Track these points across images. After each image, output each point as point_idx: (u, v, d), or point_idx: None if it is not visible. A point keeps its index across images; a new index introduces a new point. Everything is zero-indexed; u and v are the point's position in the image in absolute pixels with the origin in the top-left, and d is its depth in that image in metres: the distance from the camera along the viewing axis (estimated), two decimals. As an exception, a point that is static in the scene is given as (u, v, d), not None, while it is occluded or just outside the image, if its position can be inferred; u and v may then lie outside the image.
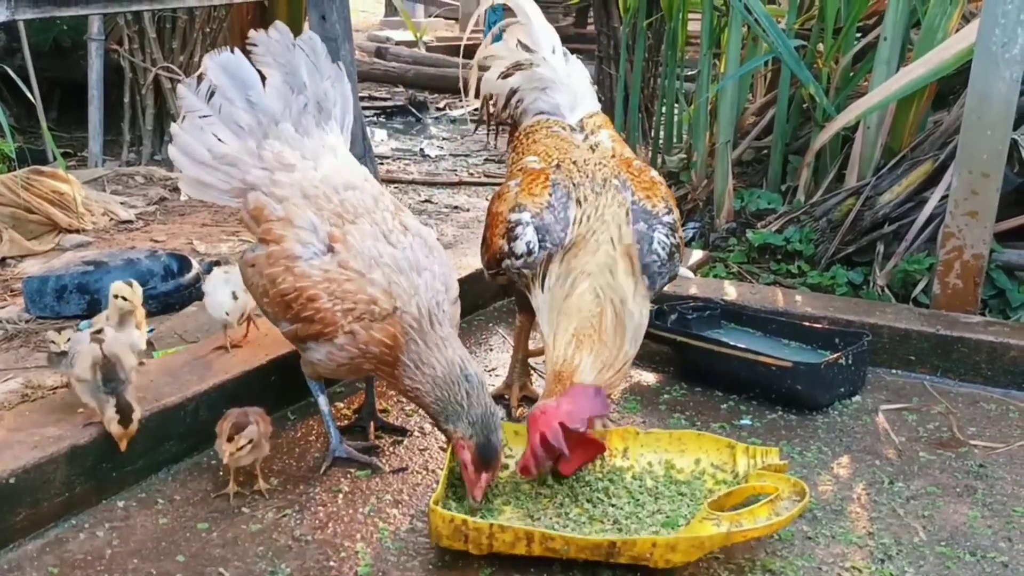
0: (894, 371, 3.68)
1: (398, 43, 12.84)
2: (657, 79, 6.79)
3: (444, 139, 9.02)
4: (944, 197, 4.21)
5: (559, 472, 2.69)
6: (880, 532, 2.65)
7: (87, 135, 6.45)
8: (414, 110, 10.07)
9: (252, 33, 3.06)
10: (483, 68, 3.67)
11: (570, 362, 2.69)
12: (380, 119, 9.83)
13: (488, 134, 3.87)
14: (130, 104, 6.75)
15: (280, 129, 2.96)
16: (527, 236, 2.90)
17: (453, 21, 15.56)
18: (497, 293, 4.29)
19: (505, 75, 3.50)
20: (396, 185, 6.95)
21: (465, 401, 2.59)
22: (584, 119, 3.31)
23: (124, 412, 2.55)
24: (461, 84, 3.86)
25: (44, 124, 5.25)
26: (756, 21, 4.86)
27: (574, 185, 2.97)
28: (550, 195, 2.95)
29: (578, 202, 2.92)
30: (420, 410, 3.24)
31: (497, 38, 3.67)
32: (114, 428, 2.56)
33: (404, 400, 3.36)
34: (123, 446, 2.59)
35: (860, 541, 2.61)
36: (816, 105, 4.94)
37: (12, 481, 2.41)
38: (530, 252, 2.89)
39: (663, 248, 2.91)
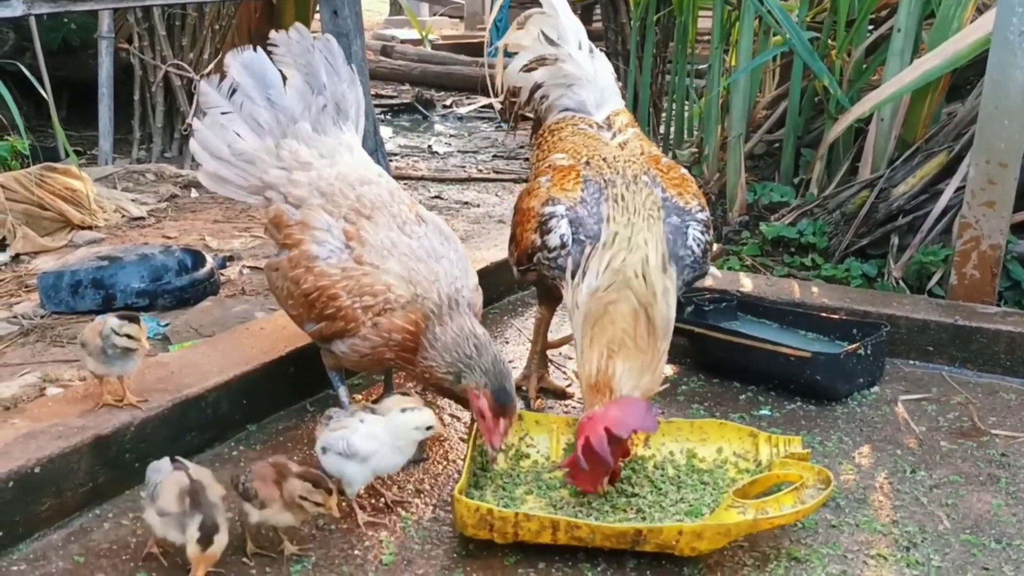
0: (912, 362, 3.67)
1: (403, 42, 12.82)
2: (666, 75, 6.79)
3: (451, 136, 9.00)
4: (959, 188, 4.21)
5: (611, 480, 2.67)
6: (904, 520, 2.65)
7: (96, 134, 6.44)
8: (421, 108, 10.05)
9: (273, 34, 3.11)
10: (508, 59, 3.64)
11: (604, 372, 2.65)
12: (387, 117, 9.82)
13: (508, 127, 3.85)
14: (140, 102, 6.73)
15: (298, 128, 3.00)
16: (561, 229, 2.86)
17: (458, 20, 15.56)
18: (511, 287, 4.29)
19: (529, 68, 3.45)
20: (405, 181, 6.93)
21: (474, 353, 2.61)
22: (611, 116, 3.28)
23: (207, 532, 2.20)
24: (488, 82, 3.82)
25: (56, 119, 5.24)
26: (769, 12, 4.85)
27: (605, 181, 2.92)
28: (582, 190, 2.91)
29: (613, 199, 2.87)
30: (438, 400, 3.26)
31: (504, 28, 3.63)
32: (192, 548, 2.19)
33: (424, 392, 3.36)
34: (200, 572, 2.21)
35: (884, 529, 2.61)
36: (829, 97, 4.93)
37: (37, 470, 2.41)
38: (563, 245, 2.85)
39: (697, 245, 2.89)
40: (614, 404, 2.59)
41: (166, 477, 2.31)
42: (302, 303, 2.79)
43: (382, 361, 2.79)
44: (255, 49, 3.07)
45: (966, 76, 4.70)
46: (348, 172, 2.92)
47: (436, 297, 2.67)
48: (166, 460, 2.39)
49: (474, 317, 2.73)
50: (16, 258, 4.74)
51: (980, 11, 4.63)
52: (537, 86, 3.46)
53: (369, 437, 2.51)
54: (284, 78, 3.08)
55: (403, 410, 2.56)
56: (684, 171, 3.10)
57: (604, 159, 3.01)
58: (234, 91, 3.01)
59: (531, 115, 3.63)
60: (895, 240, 4.49)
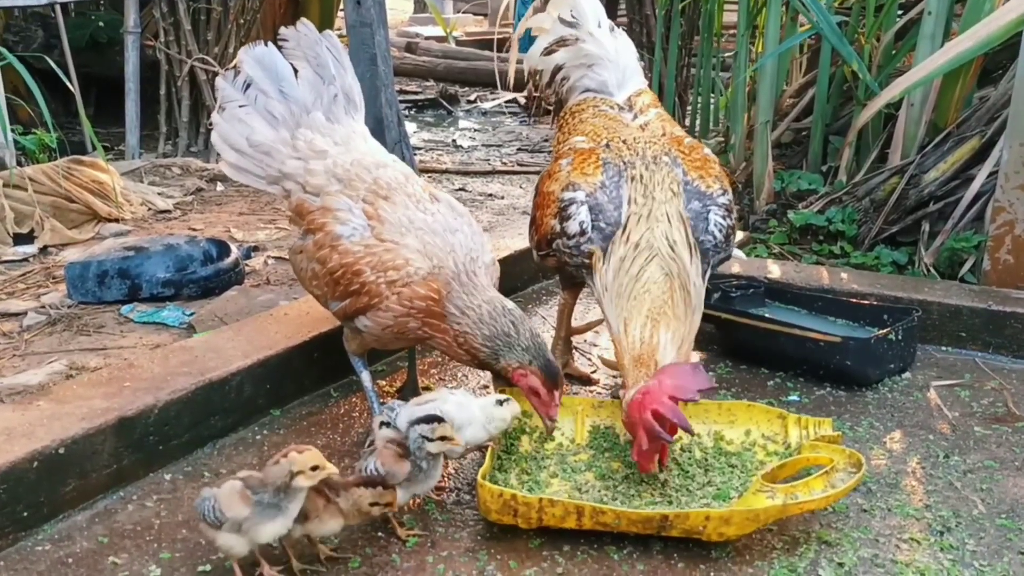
0: (944, 348, 3.60)
1: (427, 39, 12.84)
2: (691, 68, 6.73)
3: (475, 130, 8.99)
4: (992, 174, 4.13)
5: (661, 465, 2.61)
6: (937, 505, 2.59)
7: (123, 130, 6.49)
8: (445, 103, 10.06)
9: (283, 29, 3.15)
10: (519, 62, 3.64)
11: (648, 343, 2.61)
12: (412, 112, 9.83)
13: (531, 122, 3.84)
14: (166, 96, 6.78)
15: (312, 118, 3.03)
16: (580, 216, 2.84)
17: (482, 17, 15.56)
18: (535, 275, 4.26)
19: (549, 51, 3.42)
20: (430, 175, 6.93)
21: (512, 330, 2.63)
22: (632, 97, 3.24)
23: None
24: (496, 75, 3.81)
25: (82, 112, 5.27)
26: (796, -3, 4.78)
27: (625, 164, 2.89)
28: (602, 175, 2.88)
29: (632, 180, 2.84)
30: (463, 384, 3.23)
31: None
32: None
33: (446, 378, 3.35)
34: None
35: (917, 513, 2.55)
36: (858, 83, 4.86)
37: (61, 451, 2.41)
38: (583, 232, 2.82)
39: (719, 230, 2.85)
40: (663, 373, 2.53)
41: (219, 492, 2.21)
42: (327, 282, 2.81)
43: (405, 332, 2.78)
44: (266, 44, 3.11)
45: (998, 59, 4.61)
46: (363, 157, 2.97)
47: (452, 264, 2.70)
48: (207, 489, 2.26)
49: (494, 288, 2.75)
50: (44, 250, 4.78)
51: (1013, -7, 4.54)
52: (558, 68, 3.42)
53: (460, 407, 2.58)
54: (296, 71, 3.10)
55: (499, 402, 2.61)
56: (707, 151, 3.06)
57: (624, 141, 2.98)
58: (248, 85, 3.07)
59: (552, 102, 3.59)
60: (926, 227, 4.42)
